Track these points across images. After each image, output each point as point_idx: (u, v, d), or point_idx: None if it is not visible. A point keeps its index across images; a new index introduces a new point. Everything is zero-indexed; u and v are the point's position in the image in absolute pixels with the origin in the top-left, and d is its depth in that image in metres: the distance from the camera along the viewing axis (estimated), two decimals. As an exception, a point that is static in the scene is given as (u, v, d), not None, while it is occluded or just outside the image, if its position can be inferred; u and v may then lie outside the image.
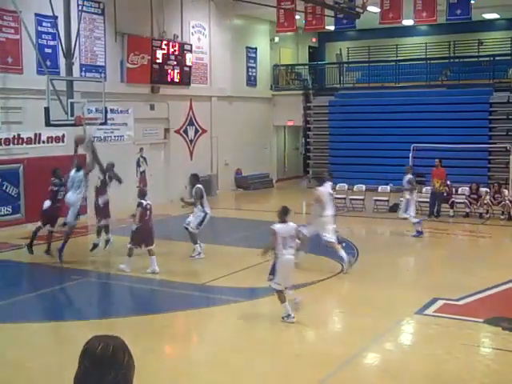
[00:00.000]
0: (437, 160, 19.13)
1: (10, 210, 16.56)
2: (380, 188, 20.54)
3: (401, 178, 21.54)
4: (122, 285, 12.21)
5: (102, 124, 16.51)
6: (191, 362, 8.36)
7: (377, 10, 22.64)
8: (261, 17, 26.53)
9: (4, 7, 16.19)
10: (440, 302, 10.23)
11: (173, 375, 7.72)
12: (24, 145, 16.77)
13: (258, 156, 27.10)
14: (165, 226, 14.63)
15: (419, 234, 15.86)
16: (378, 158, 24.83)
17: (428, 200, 18.85)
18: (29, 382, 7.62)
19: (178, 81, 22.14)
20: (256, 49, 27.39)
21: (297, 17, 23.77)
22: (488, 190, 18.94)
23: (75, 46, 15.91)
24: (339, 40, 30.91)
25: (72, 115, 15.07)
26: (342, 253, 12.29)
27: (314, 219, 12.82)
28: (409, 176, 16.23)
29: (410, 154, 21.58)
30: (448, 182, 18.99)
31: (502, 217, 18.24)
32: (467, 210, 18.65)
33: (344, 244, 13.39)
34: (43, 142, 17.18)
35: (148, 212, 12.39)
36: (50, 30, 17.27)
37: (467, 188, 19.08)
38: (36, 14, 17.01)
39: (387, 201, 19.69)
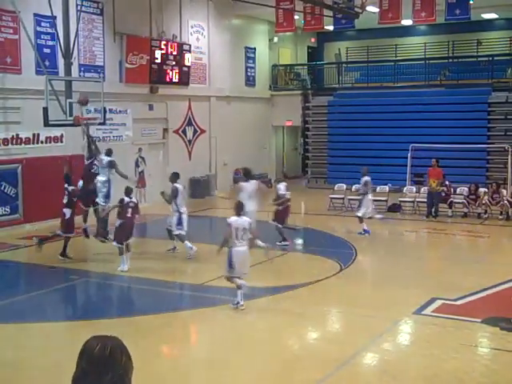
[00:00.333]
0: (433, 160, 19.15)
1: (9, 210, 16.55)
2: (378, 188, 20.53)
3: (400, 178, 21.74)
4: (121, 285, 12.22)
5: (100, 124, 16.50)
6: (191, 361, 8.36)
7: (376, 9, 22.65)
8: (260, 17, 26.54)
9: (3, 7, 16.18)
10: (438, 302, 10.25)
11: (173, 375, 7.73)
12: (22, 145, 16.77)
13: (257, 156, 27.09)
14: (163, 226, 14.61)
15: (366, 232, 16.16)
16: (376, 158, 24.82)
17: (425, 200, 18.86)
18: (28, 382, 7.62)
19: (176, 81, 22.14)
20: (255, 49, 27.39)
21: (296, 17, 23.77)
22: (486, 190, 18.95)
23: (74, 46, 15.89)
24: (338, 40, 30.92)
25: (71, 115, 15.06)
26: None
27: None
28: (365, 178, 16.43)
29: (409, 154, 21.60)
30: (446, 182, 19.00)
31: (500, 217, 18.26)
32: (465, 210, 18.67)
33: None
34: (42, 142, 17.19)
35: (130, 209, 12.52)
36: (49, 30, 17.27)
37: (465, 188, 19.09)
38: (35, 14, 17.01)
39: (386, 201, 19.70)
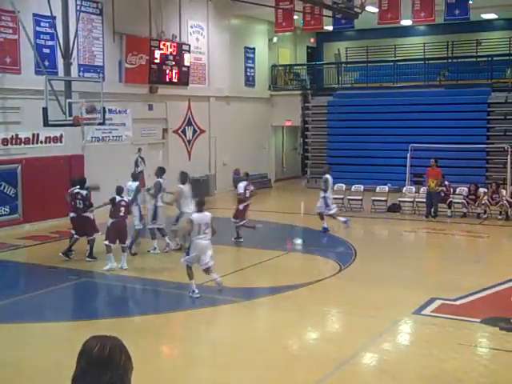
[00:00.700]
0: (432, 160, 19.14)
1: (8, 210, 16.54)
2: (378, 188, 20.54)
3: (400, 178, 21.74)
4: (121, 285, 12.23)
5: (100, 124, 16.51)
6: (191, 362, 8.36)
7: (375, 10, 22.66)
8: (259, 17, 26.54)
9: (2, 7, 16.18)
10: (438, 302, 10.25)
11: (172, 375, 7.73)
12: (22, 145, 16.77)
13: (257, 156, 27.11)
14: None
15: (325, 230, 16.47)
16: (376, 158, 24.85)
17: (425, 200, 18.86)
18: (28, 382, 7.63)
19: (176, 81, 22.14)
20: (254, 49, 27.40)
21: (295, 17, 23.77)
22: (486, 190, 18.96)
23: (73, 46, 15.91)
24: (337, 40, 30.91)
25: (70, 115, 15.07)
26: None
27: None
28: (326, 176, 16.63)
29: (408, 154, 21.61)
30: (446, 182, 18.99)
31: (499, 217, 18.26)
32: (465, 210, 18.67)
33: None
34: (41, 142, 17.19)
35: (122, 208, 12.56)
36: (48, 30, 17.27)
37: (465, 188, 19.10)
38: (34, 14, 17.01)
39: (385, 201, 19.70)
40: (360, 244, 15.10)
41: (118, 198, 12.63)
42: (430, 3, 21.60)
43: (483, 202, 18.41)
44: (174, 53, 21.93)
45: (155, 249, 14.04)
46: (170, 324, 9.97)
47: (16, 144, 16.65)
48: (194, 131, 23.97)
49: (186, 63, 22.53)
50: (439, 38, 28.86)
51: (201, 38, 23.90)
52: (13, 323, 9.68)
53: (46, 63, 17.09)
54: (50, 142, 17.43)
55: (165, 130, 22.65)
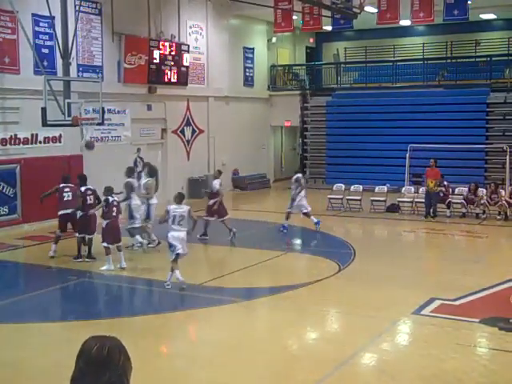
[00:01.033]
0: (431, 160, 19.15)
1: (7, 210, 16.53)
2: (377, 188, 20.55)
3: (399, 178, 21.74)
4: (120, 285, 12.23)
5: (99, 124, 16.49)
6: (190, 361, 8.36)
7: (374, 10, 22.67)
8: (258, 17, 26.54)
9: (1, 7, 16.16)
10: (437, 302, 10.26)
11: (172, 375, 7.73)
12: (21, 145, 16.75)
13: (255, 156, 27.11)
14: (161, 226, 14.58)
15: (284, 228, 16.64)
16: (375, 158, 24.87)
17: (424, 200, 18.87)
18: (28, 382, 7.62)
19: (175, 81, 22.13)
20: (253, 49, 27.40)
21: (294, 17, 23.78)
22: (484, 190, 18.96)
23: (72, 46, 15.88)
24: (336, 40, 30.92)
25: (69, 115, 15.06)
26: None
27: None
28: (298, 175, 16.88)
29: (407, 154, 21.61)
30: (445, 183, 19.00)
31: (498, 217, 18.28)
32: (464, 210, 18.68)
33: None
34: (40, 142, 17.17)
35: (115, 209, 12.60)
36: (47, 30, 17.25)
37: (464, 188, 19.11)
38: (33, 14, 16.99)
39: (384, 201, 19.70)
40: (359, 244, 15.11)
41: (110, 199, 12.62)
42: (428, 3, 21.61)
43: (482, 202, 18.42)
44: (173, 53, 21.92)
45: (133, 245, 14.38)
46: (170, 324, 9.97)
47: (15, 144, 16.63)
48: (193, 131, 23.96)
49: (185, 63, 22.52)
50: (438, 38, 28.86)
51: (200, 38, 23.89)
52: (13, 323, 9.68)
53: (45, 63, 17.07)
54: (48, 142, 17.40)
55: (164, 130, 22.63)
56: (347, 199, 20.05)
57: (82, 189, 13.39)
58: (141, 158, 21.45)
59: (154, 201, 14.80)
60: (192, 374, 7.82)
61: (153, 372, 7.34)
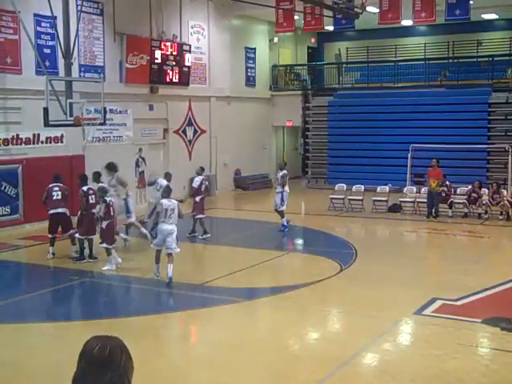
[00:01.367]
0: (434, 160, 19.13)
1: (9, 210, 16.55)
2: (379, 188, 20.54)
3: (401, 178, 21.72)
4: (121, 285, 12.23)
5: (100, 124, 16.49)
6: (191, 362, 8.36)
7: (376, 10, 22.66)
8: (260, 17, 26.54)
9: (3, 7, 16.18)
10: (439, 302, 10.25)
11: (173, 375, 7.73)
12: (23, 145, 16.76)
13: (257, 156, 27.11)
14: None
15: (286, 227, 16.59)
16: (376, 158, 24.85)
17: (426, 200, 18.85)
18: (28, 382, 7.62)
19: (176, 81, 22.14)
20: (255, 49, 27.40)
21: (296, 17, 23.78)
22: (486, 190, 18.94)
23: (74, 46, 15.89)
24: (338, 40, 30.92)
25: (71, 115, 15.06)
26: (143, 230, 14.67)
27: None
28: (283, 172, 16.83)
29: (409, 154, 21.60)
30: (447, 183, 18.98)
31: (500, 217, 18.26)
32: (466, 210, 18.66)
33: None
34: (42, 142, 17.17)
35: (111, 208, 12.63)
36: (49, 31, 17.27)
37: (466, 188, 19.09)
38: (35, 15, 17.01)
39: (386, 201, 19.69)
40: (361, 244, 15.10)
41: (108, 199, 12.60)
42: (430, 3, 21.59)
43: (484, 202, 18.41)
44: (175, 53, 21.93)
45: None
46: (171, 324, 9.97)
47: (17, 144, 16.64)
48: (195, 131, 23.96)
49: (187, 63, 22.53)
50: (440, 38, 28.85)
51: (201, 38, 23.90)
52: (13, 323, 9.68)
53: (47, 63, 17.08)
54: (50, 142, 17.41)
55: (165, 130, 22.65)
56: (349, 199, 20.04)
57: (84, 188, 13.39)
58: (142, 158, 21.51)
59: (128, 195, 14.86)
60: (192, 374, 7.83)
61: (153, 372, 7.34)
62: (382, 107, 25.62)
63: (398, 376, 7.52)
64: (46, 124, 14.71)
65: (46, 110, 14.35)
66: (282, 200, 16.55)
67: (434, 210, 18.55)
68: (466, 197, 18.82)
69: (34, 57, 16.62)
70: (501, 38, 28.50)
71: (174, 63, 21.86)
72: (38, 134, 16.96)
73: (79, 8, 17.14)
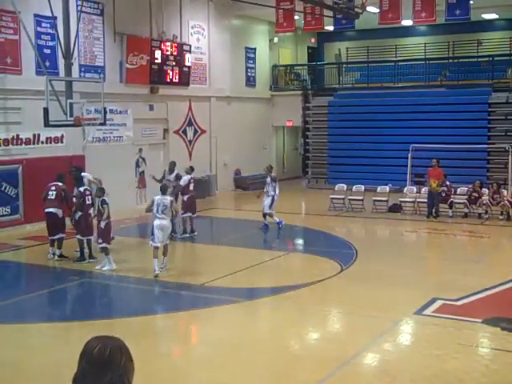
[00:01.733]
0: (434, 160, 19.13)
1: (9, 210, 16.54)
2: (379, 188, 20.53)
3: (401, 178, 21.73)
4: (121, 285, 12.22)
5: (101, 124, 16.48)
6: (191, 361, 8.36)
7: (376, 10, 22.66)
8: (260, 17, 26.54)
9: (3, 7, 16.18)
10: (439, 302, 10.24)
11: (173, 375, 7.73)
12: (23, 145, 16.76)
13: (257, 156, 27.08)
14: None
15: (280, 223, 16.68)
16: (377, 158, 24.84)
17: (426, 200, 18.84)
18: (28, 382, 7.63)
19: (177, 81, 22.14)
20: (255, 49, 27.40)
21: (296, 17, 23.78)
22: (487, 190, 18.94)
23: (74, 46, 15.88)
24: (338, 40, 30.91)
25: (71, 116, 15.06)
26: None
27: None
28: (273, 174, 17.08)
29: (409, 155, 21.60)
30: (447, 183, 18.98)
31: (500, 217, 18.25)
32: (466, 210, 18.65)
33: None
34: (42, 142, 17.18)
35: (108, 208, 12.65)
36: (49, 31, 17.27)
37: (466, 188, 19.09)
38: (35, 15, 17.01)
39: (386, 201, 19.69)
40: (361, 244, 15.10)
41: (106, 200, 12.58)
42: (430, 3, 21.59)
43: (484, 202, 18.41)
44: (175, 53, 21.93)
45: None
46: (171, 324, 9.97)
47: (17, 144, 16.64)
48: (195, 131, 23.96)
49: (187, 63, 22.53)
50: (440, 38, 28.85)
51: (201, 38, 23.90)
52: (13, 323, 9.68)
53: (47, 64, 17.08)
54: (50, 143, 17.41)
55: (166, 131, 22.65)
56: (349, 199, 20.04)
57: (81, 189, 13.38)
58: (143, 159, 21.51)
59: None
60: (192, 374, 7.83)
61: (153, 372, 7.34)
62: (382, 107, 25.61)
63: (399, 376, 7.52)
64: (46, 124, 14.70)
65: (46, 111, 14.35)
66: (272, 203, 16.65)
67: (434, 210, 18.54)
68: (466, 197, 18.82)
69: (34, 57, 16.63)
70: (501, 38, 28.51)
71: (174, 63, 21.86)
72: (38, 135, 16.96)
73: (79, 8, 17.13)
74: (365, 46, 29.97)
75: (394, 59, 28.97)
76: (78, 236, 13.29)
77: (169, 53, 21.63)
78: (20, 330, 9.40)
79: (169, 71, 21.71)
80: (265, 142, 28.08)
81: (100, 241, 12.56)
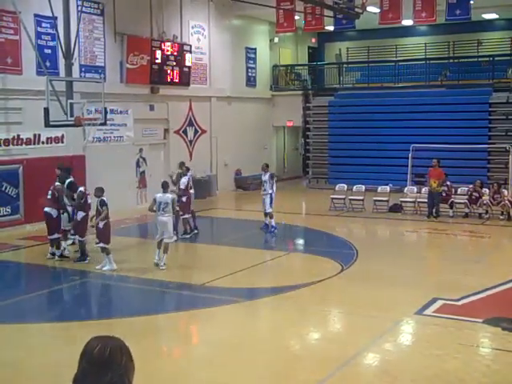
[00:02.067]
0: (434, 160, 19.12)
1: (10, 210, 16.54)
2: (379, 188, 20.53)
3: (401, 178, 21.73)
4: (122, 285, 12.22)
5: (101, 124, 16.48)
6: (191, 361, 8.36)
7: (376, 10, 22.66)
8: (260, 17, 26.53)
9: (3, 8, 16.18)
10: (439, 302, 10.24)
11: (173, 375, 7.72)
12: (23, 145, 16.76)
13: (258, 156, 27.03)
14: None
15: (275, 228, 16.58)
16: (377, 158, 24.84)
17: (426, 200, 18.84)
18: (28, 382, 7.62)
19: (177, 81, 22.14)
20: (255, 49, 27.39)
21: (296, 17, 23.77)
22: (487, 190, 18.93)
23: (75, 46, 15.88)
24: (339, 40, 30.92)
25: (71, 116, 15.06)
26: None
27: None
28: (270, 172, 17.00)
29: (410, 154, 21.59)
30: (448, 183, 18.97)
31: (501, 217, 18.25)
32: (466, 210, 18.65)
33: None
34: (43, 142, 17.17)
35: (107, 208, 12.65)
36: (50, 31, 17.27)
37: (466, 188, 19.08)
38: (35, 15, 17.01)
39: (387, 201, 19.68)
40: (361, 244, 15.09)
41: (105, 200, 12.56)
42: (431, 3, 21.58)
43: (485, 202, 18.40)
44: (175, 53, 21.93)
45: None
46: (171, 324, 9.97)
47: (17, 144, 16.64)
48: (196, 131, 23.96)
49: (187, 63, 22.53)
50: (440, 38, 28.85)
51: (202, 38, 23.89)
52: (13, 323, 9.68)
53: (48, 64, 17.08)
54: (51, 143, 17.41)
55: (166, 131, 22.65)
56: (350, 199, 20.04)
57: (82, 189, 13.37)
58: (143, 159, 21.51)
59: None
60: (192, 374, 7.82)
61: (153, 372, 7.33)
62: (382, 107, 25.61)
63: (399, 376, 7.52)
64: (47, 124, 14.70)
65: (46, 111, 14.34)
66: (271, 202, 16.60)
67: (434, 210, 18.54)
68: (466, 197, 18.81)
69: (34, 57, 16.62)
70: (501, 38, 28.51)
71: (174, 63, 21.86)
72: (39, 135, 16.96)
73: (79, 8, 17.12)
74: (365, 46, 29.97)
75: (395, 59, 28.97)
76: (78, 237, 13.28)
77: (169, 53, 21.63)
78: (20, 330, 9.40)
79: (169, 71, 21.71)
80: (265, 142, 28.08)
81: (97, 241, 12.54)
